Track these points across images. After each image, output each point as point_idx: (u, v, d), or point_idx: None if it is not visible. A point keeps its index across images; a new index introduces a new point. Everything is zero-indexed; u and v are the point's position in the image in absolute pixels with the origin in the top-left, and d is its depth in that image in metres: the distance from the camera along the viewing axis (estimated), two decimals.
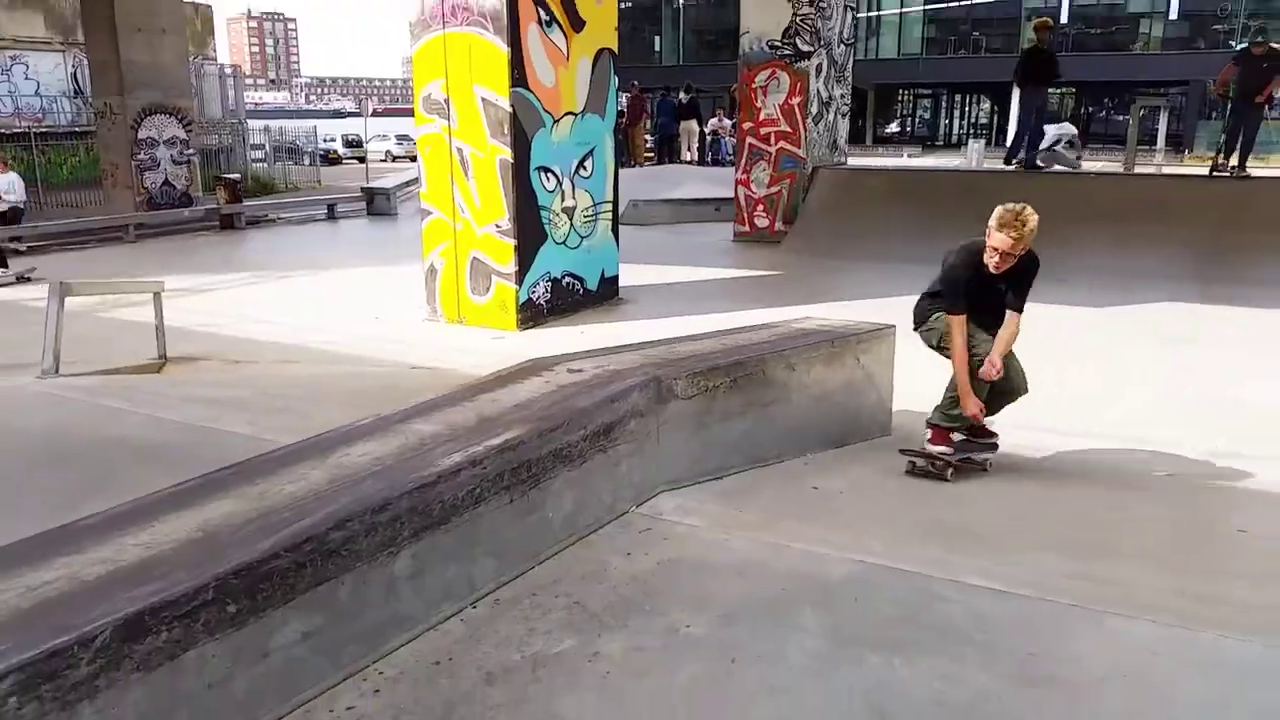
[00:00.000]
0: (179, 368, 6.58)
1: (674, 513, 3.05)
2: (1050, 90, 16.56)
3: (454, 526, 2.36)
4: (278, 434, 3.51)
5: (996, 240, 3.88)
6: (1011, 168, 12.53)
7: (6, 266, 10.73)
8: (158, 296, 6.70)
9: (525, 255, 7.75)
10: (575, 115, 8.13)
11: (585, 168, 8.32)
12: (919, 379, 4.65)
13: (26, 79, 28.08)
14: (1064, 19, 39.54)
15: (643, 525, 2.91)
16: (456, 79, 7.57)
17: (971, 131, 44.97)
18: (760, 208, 12.84)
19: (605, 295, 8.75)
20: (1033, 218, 3.86)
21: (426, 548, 2.29)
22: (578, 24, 8.06)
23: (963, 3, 40.96)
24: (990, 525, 3.42)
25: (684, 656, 2.30)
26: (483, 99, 7.54)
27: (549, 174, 7.93)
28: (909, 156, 40.10)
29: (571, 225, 8.23)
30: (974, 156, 20.95)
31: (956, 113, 47.82)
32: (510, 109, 7.44)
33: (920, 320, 4.31)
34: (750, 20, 12.62)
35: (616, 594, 2.52)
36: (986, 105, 45.73)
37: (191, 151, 19.52)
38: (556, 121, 7.93)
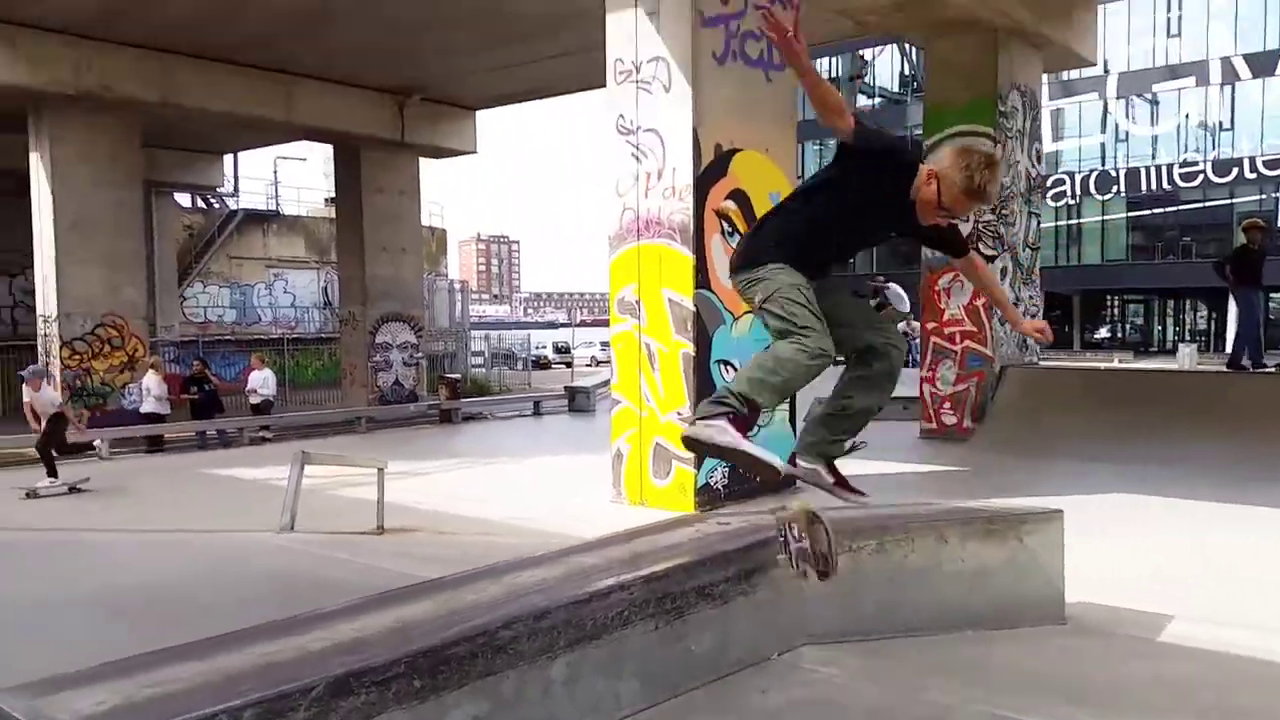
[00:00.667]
0: (394, 535, 7.36)
1: (813, 662, 3.24)
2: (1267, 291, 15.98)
3: (604, 643, 2.71)
4: None
5: (964, 174, 3.15)
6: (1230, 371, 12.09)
7: (56, 477, 10.85)
8: (380, 472, 7.60)
9: None
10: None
11: None
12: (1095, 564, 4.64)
13: (285, 293, 32.50)
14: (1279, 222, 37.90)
15: (781, 670, 3.13)
16: (647, 283, 8.41)
17: (1186, 337, 42.86)
18: (947, 405, 12.87)
19: (782, 484, 8.99)
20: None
21: (579, 658, 2.64)
22: None
23: (1167, 209, 40.16)
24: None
25: None
26: (669, 299, 8.31)
27: (728, 366, 8.49)
28: (1119, 362, 38.53)
29: None
30: (1185, 361, 20.05)
31: (1169, 318, 45.83)
32: (694, 308, 8.16)
33: (751, 260, 3.50)
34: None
35: None
36: (1204, 311, 43.64)
37: (420, 355, 21.80)
38: (736, 319, 8.56)
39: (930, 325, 13.11)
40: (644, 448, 8.48)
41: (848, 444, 3.72)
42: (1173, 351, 36.05)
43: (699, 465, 8.14)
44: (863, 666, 3.28)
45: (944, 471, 10.42)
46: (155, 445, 14.43)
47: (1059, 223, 42.93)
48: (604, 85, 8.77)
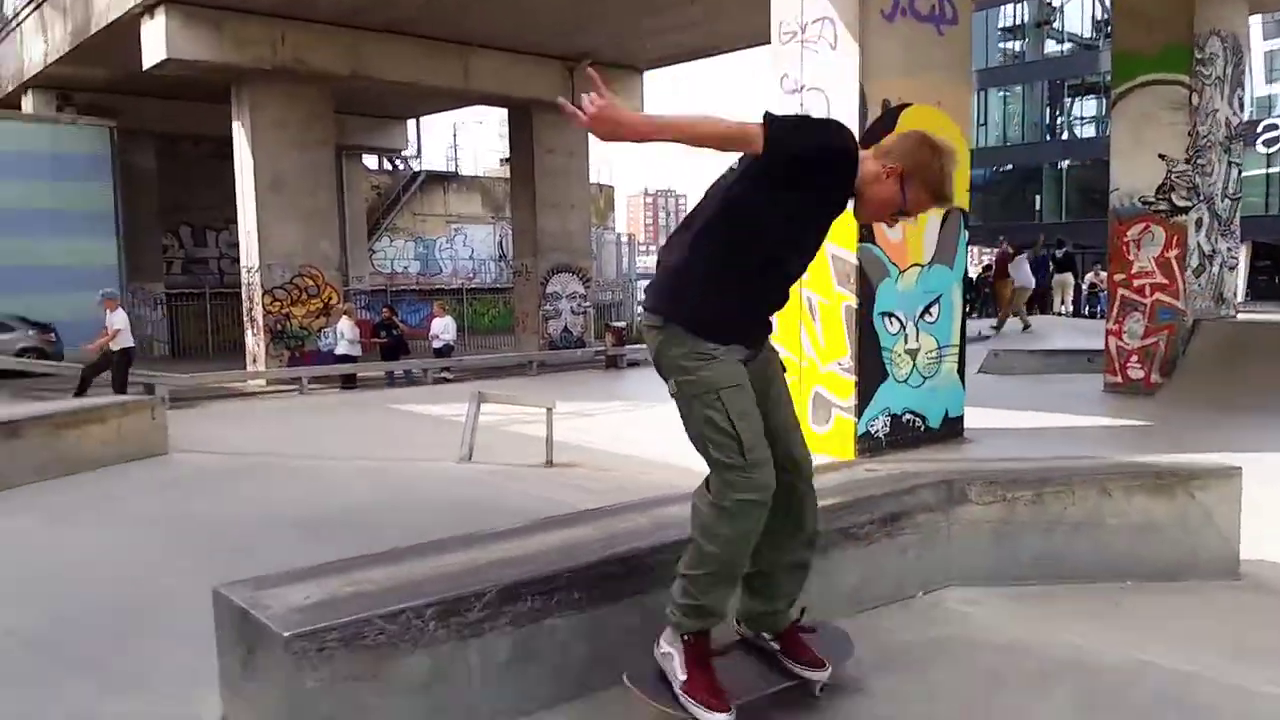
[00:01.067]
0: (560, 469, 7.78)
1: (957, 602, 3.30)
2: None
3: None
4: None
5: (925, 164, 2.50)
6: None
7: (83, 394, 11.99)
8: (549, 412, 8.01)
9: (865, 391, 8.20)
10: (922, 267, 8.59)
11: (930, 314, 8.68)
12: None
13: (464, 246, 34.18)
14: None
15: (923, 608, 3.21)
16: None
17: None
18: (1134, 358, 12.19)
19: (948, 434, 8.87)
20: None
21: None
22: None
23: None
24: None
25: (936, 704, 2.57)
26: (833, 255, 8.26)
27: (893, 319, 8.39)
28: None
29: (914, 366, 8.56)
30: None
31: None
32: (857, 262, 8.09)
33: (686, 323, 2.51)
34: (1120, 178, 12.37)
35: (882, 653, 2.86)
36: None
37: (588, 304, 22.50)
38: (902, 272, 8.43)
39: (1118, 277, 12.40)
40: (803, 396, 8.52)
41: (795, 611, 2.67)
42: None
43: (859, 414, 8.14)
44: (1008, 608, 3.31)
45: (1126, 426, 9.93)
46: (349, 383, 15.64)
47: (1271, 169, 39.17)
48: (768, 42, 8.72)
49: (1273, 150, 39.11)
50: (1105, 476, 4.06)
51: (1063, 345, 15.53)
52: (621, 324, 20.42)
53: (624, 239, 34.89)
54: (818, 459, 8.17)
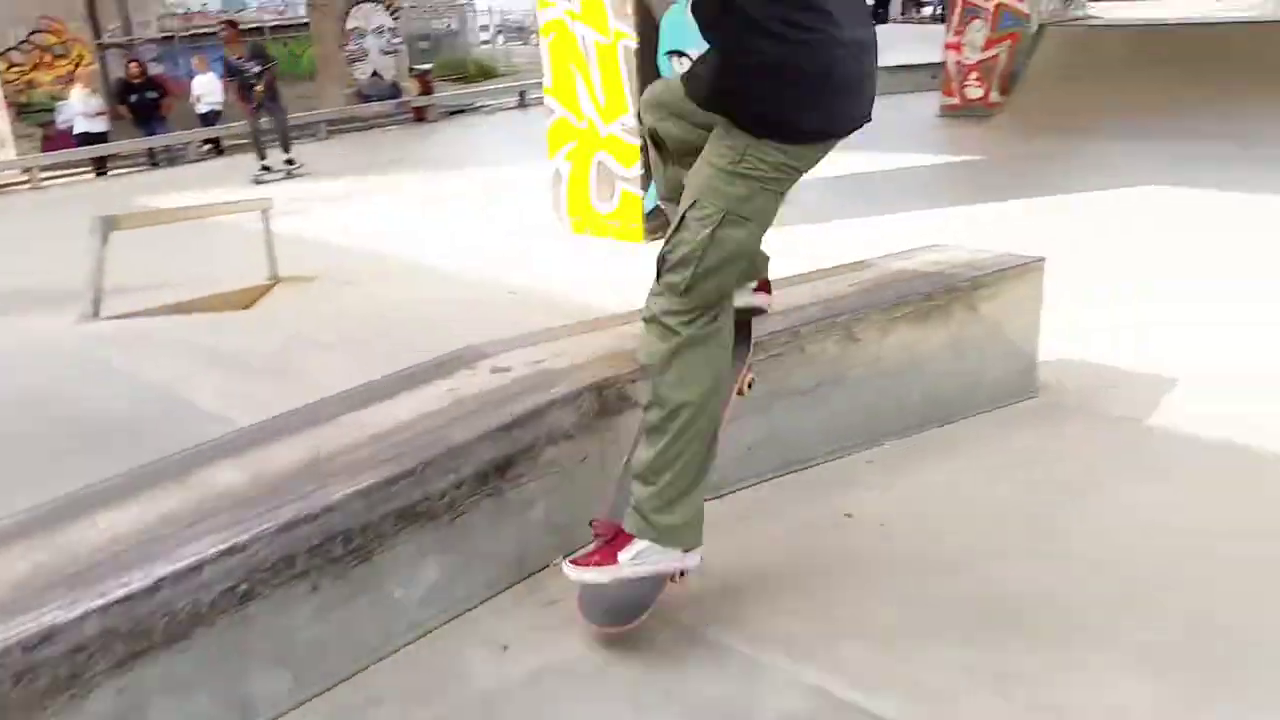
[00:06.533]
0: (286, 290, 6.40)
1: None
2: None
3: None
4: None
5: None
6: None
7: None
8: (265, 215, 6.49)
9: None
10: None
11: None
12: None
13: None
14: None
15: (559, 590, 2.17)
16: None
17: None
18: (974, 75, 11.07)
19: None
20: None
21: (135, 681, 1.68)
22: None
23: None
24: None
25: None
26: None
27: (684, 59, 6.91)
28: None
29: None
30: (1270, 6, 17.08)
31: None
32: None
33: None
34: None
35: None
36: None
37: (399, 40, 19.56)
38: None
39: None
40: (584, 166, 7.17)
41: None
42: None
43: (646, 186, 6.86)
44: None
45: (958, 164, 8.96)
46: (100, 169, 13.18)
47: None
48: None
49: None
50: (852, 317, 2.99)
51: (905, 59, 14.21)
52: (427, 66, 17.84)
53: None
54: (602, 242, 6.99)
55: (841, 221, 6.90)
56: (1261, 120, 8.49)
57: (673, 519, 1.96)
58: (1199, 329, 4.36)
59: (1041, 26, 10.59)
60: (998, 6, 10.69)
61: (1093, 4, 12.83)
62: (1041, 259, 3.72)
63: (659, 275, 1.94)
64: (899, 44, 15.63)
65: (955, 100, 11.22)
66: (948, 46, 11.20)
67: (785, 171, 1.91)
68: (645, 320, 1.97)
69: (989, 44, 10.82)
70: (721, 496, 2.67)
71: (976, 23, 10.88)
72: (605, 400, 2.37)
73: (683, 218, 1.91)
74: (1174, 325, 4.38)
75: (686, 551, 2.00)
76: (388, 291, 6.18)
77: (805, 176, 2.01)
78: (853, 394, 3.04)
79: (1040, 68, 10.45)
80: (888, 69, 14.19)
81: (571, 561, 2.00)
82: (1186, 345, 4.19)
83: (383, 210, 8.91)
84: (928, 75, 13.11)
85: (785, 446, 2.91)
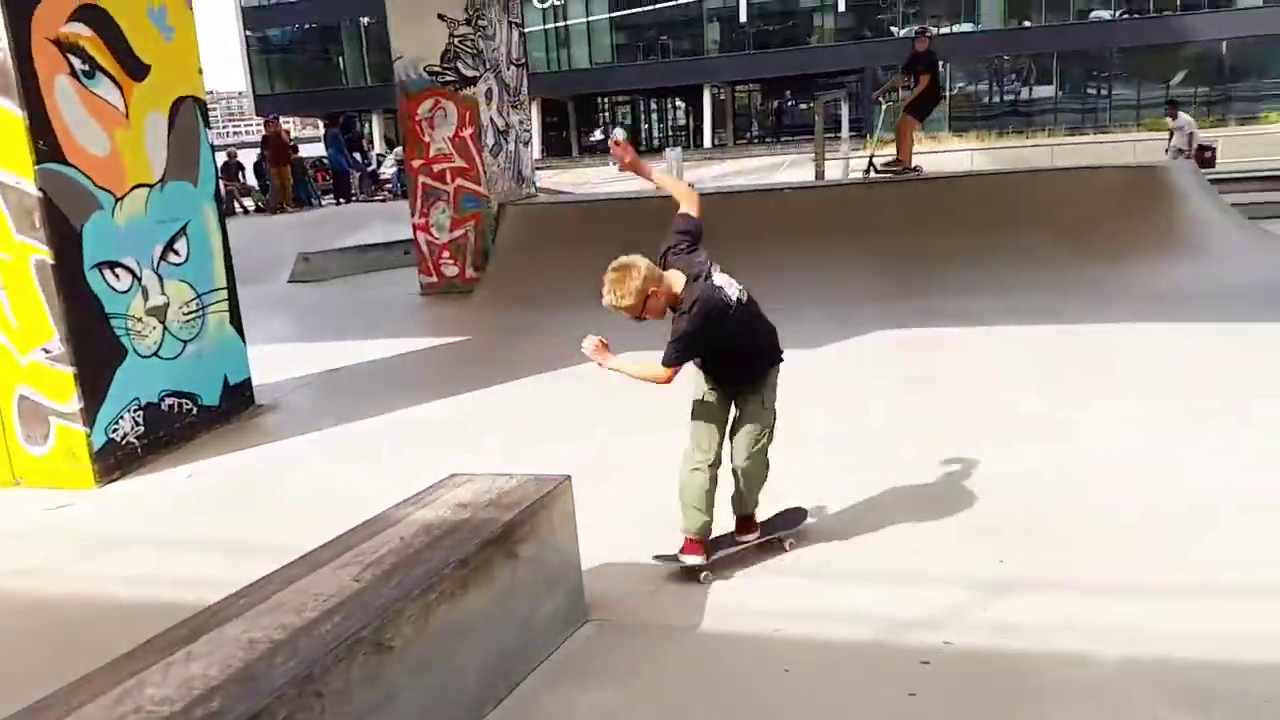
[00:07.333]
0: None
1: None
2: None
3: None
4: None
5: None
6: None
7: None
8: None
9: (96, 383, 5.69)
10: (151, 187, 6.14)
11: (177, 252, 6.34)
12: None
13: None
14: (743, 18, 40.84)
15: None
16: None
17: (669, 135, 45.71)
18: (446, 254, 11.24)
19: (234, 409, 6.79)
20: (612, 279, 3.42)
21: None
22: (137, 70, 6.07)
23: (646, 8, 41.32)
24: None
25: None
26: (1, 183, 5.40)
27: (118, 269, 5.89)
28: (614, 164, 39.93)
29: (165, 330, 6.22)
30: (673, 166, 20.36)
31: (655, 117, 48.46)
32: (39, 192, 5.36)
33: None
34: (401, 43, 10.95)
35: None
36: (682, 107, 46.60)
37: None
38: (120, 200, 5.90)
39: (416, 162, 11.18)
40: (4, 404, 5.70)
41: None
42: (660, 149, 38.01)
43: (91, 418, 5.62)
44: None
45: (450, 345, 8.84)
46: None
47: (547, 25, 42.40)
48: None
49: (545, 6, 42.17)
50: (388, 623, 2.41)
51: (379, 238, 14.21)
52: None
53: None
54: (39, 493, 5.52)
55: (335, 429, 6.28)
56: None
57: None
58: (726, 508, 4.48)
59: (502, 205, 11.12)
60: (458, 189, 11.04)
61: (559, 170, 13.95)
62: (567, 477, 3.50)
63: None
64: (370, 223, 15.67)
65: (434, 279, 11.29)
66: (417, 228, 11.30)
67: None
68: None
69: (455, 224, 11.11)
70: None
71: (440, 204, 11.13)
72: None
73: None
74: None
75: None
76: None
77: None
78: (403, 712, 2.44)
79: (508, 244, 10.93)
80: (359, 248, 14.07)
81: None
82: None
83: None
84: (401, 252, 13.19)
85: None
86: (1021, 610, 3.39)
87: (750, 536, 3.90)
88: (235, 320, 6.86)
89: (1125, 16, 38.44)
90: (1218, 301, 7.84)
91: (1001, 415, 5.54)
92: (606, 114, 48.19)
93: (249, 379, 6.96)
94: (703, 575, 3.75)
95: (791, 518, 4.08)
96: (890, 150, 11.12)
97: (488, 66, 10.90)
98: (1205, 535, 3.86)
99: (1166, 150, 17.17)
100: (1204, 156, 16.27)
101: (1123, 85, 38.87)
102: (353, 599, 2.44)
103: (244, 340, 6.94)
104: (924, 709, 2.88)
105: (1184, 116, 17.30)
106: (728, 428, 3.72)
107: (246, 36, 45.87)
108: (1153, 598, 3.40)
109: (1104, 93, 39.40)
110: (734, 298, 3.51)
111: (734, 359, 3.64)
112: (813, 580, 3.75)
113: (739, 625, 3.47)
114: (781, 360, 3.75)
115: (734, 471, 3.75)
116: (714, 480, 3.69)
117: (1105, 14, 38.83)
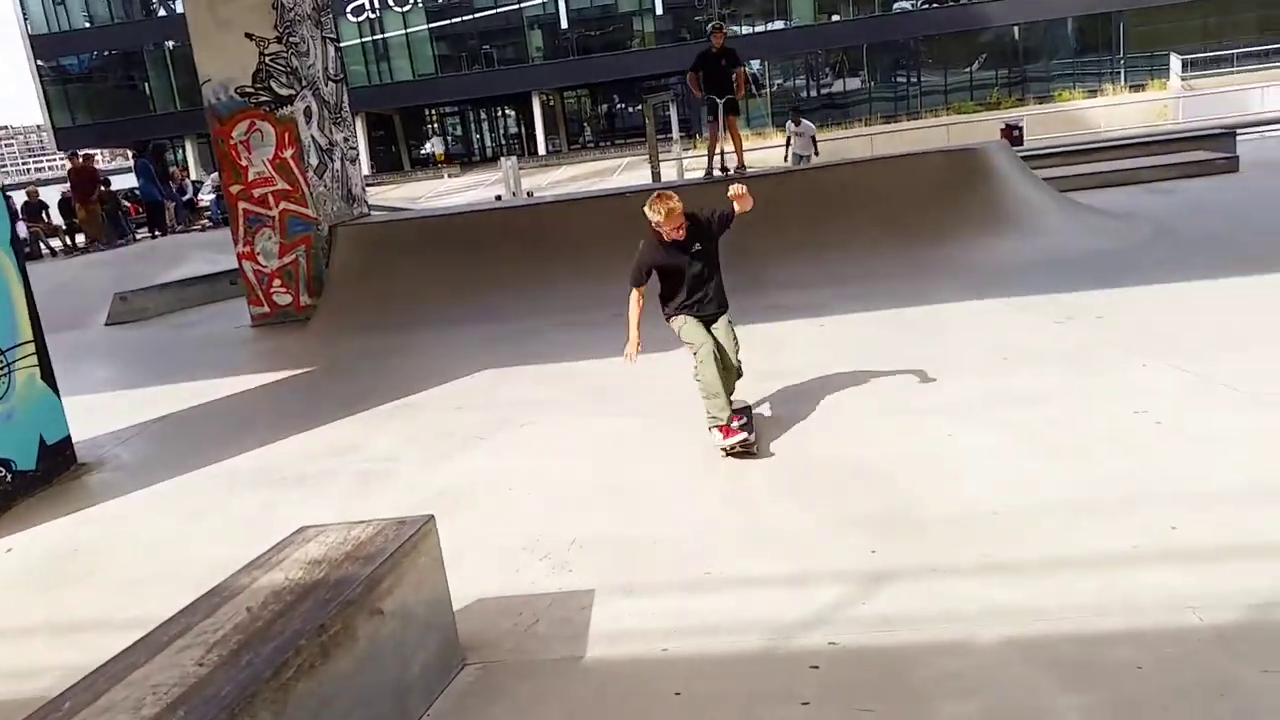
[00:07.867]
0: None
1: None
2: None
3: None
4: None
5: (655, 218, 4.89)
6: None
7: None
8: None
9: None
10: None
11: None
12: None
13: None
14: (563, 24, 40.85)
15: None
16: None
17: (503, 144, 45.23)
18: (277, 281, 10.66)
19: (54, 471, 6.17)
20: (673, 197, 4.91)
21: None
22: None
23: (465, 18, 40.74)
24: None
25: None
26: None
27: None
28: (449, 177, 39.23)
29: None
30: (509, 175, 20.09)
31: (485, 126, 47.85)
32: None
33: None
34: (207, 65, 10.30)
35: None
36: (513, 115, 46.19)
37: None
38: None
39: (235, 189, 10.55)
40: None
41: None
42: (495, 159, 37.53)
43: None
44: None
45: (289, 379, 8.33)
46: None
47: (364, 39, 41.21)
48: None
49: (361, 19, 41.03)
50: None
51: (201, 270, 13.35)
52: None
53: None
54: None
55: (168, 483, 5.79)
56: (523, 297, 9.40)
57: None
58: (593, 526, 4.35)
59: (333, 227, 10.64)
60: (283, 213, 10.49)
61: (392, 185, 13.43)
62: (430, 517, 3.30)
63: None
64: (190, 255, 14.73)
65: (266, 309, 10.69)
66: (242, 257, 10.67)
67: None
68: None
69: (284, 250, 10.55)
70: None
71: (265, 230, 10.55)
72: None
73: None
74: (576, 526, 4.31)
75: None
76: None
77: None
78: None
79: (343, 267, 10.45)
80: (181, 283, 13.18)
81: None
82: (595, 547, 4.12)
83: None
84: (228, 283, 12.45)
85: None
86: (899, 599, 3.41)
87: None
88: (47, 374, 6.24)
89: (926, 6, 40.64)
90: (1042, 274, 8.27)
91: (856, 404, 5.64)
92: (434, 125, 47.24)
93: (68, 436, 6.34)
94: (754, 446, 4.90)
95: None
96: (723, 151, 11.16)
97: (304, 84, 10.39)
98: (1068, 513, 3.98)
99: (785, 158, 16.99)
100: (1013, 135, 17.24)
101: (929, 73, 41.02)
102: (196, 689, 2.17)
103: (59, 395, 6.33)
104: (818, 715, 2.84)
105: (805, 123, 17.29)
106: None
107: (39, 66, 42.62)
108: (1021, 577, 3.49)
109: (913, 80, 41.45)
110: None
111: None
112: (694, 592, 3.67)
113: (625, 648, 3.35)
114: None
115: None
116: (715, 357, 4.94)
117: (908, 4, 40.96)
